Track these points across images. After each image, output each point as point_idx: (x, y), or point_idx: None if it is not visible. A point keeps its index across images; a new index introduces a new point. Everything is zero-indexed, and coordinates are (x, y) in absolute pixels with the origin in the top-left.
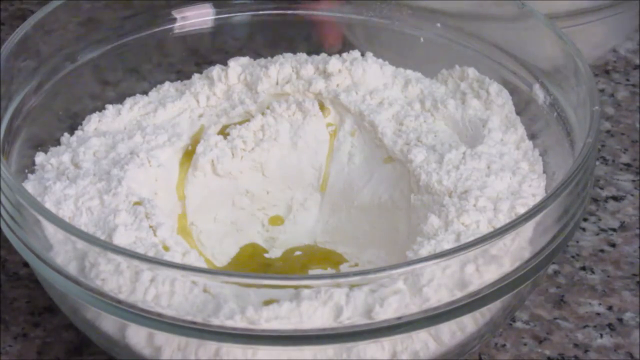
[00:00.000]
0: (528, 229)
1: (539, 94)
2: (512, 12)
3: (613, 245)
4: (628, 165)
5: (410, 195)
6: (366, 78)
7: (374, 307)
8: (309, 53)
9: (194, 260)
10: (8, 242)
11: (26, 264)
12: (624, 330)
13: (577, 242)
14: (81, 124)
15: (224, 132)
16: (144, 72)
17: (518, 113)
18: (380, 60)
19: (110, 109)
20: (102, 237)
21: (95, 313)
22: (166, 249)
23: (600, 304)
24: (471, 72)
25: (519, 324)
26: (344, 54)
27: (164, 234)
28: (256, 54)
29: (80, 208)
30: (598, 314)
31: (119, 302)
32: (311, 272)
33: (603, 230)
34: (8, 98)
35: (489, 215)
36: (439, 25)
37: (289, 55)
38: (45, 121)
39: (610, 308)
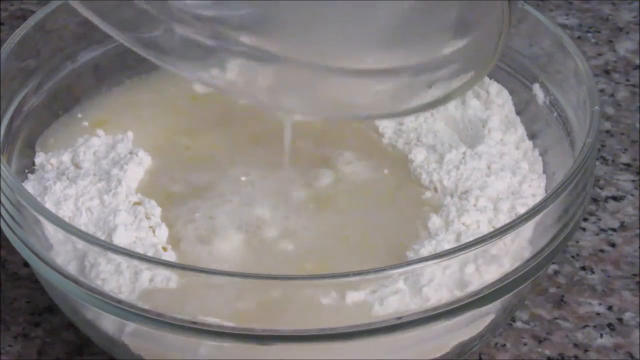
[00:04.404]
0: (528, 229)
1: (539, 94)
2: None
3: (613, 245)
4: (628, 165)
5: None
6: None
7: (373, 307)
8: None
9: None
10: (8, 242)
11: (26, 264)
12: (624, 330)
13: (577, 242)
14: None
15: None
16: None
17: (518, 113)
18: None
19: None
20: (102, 237)
21: (95, 313)
22: (166, 249)
23: (600, 304)
24: None
25: (519, 324)
26: None
27: (163, 234)
28: None
29: (80, 208)
30: (598, 314)
31: (119, 302)
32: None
33: (603, 230)
34: (8, 98)
35: (489, 215)
36: None
37: None
38: (45, 121)
39: (610, 308)
